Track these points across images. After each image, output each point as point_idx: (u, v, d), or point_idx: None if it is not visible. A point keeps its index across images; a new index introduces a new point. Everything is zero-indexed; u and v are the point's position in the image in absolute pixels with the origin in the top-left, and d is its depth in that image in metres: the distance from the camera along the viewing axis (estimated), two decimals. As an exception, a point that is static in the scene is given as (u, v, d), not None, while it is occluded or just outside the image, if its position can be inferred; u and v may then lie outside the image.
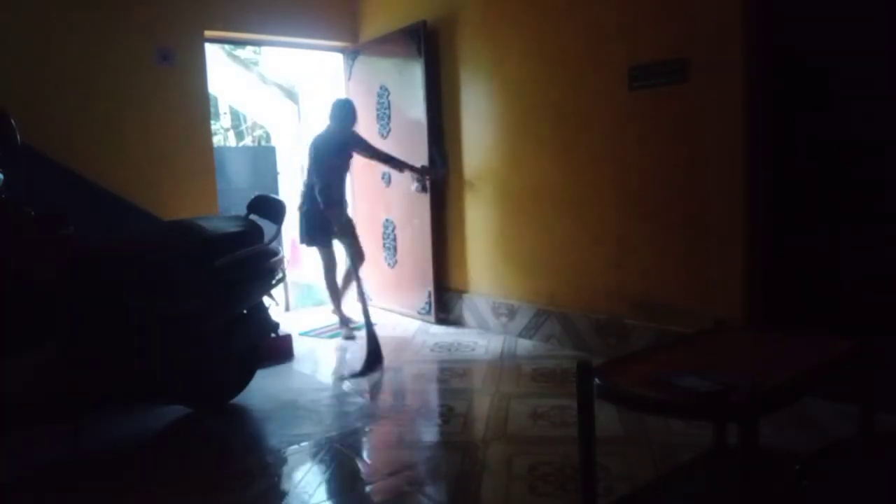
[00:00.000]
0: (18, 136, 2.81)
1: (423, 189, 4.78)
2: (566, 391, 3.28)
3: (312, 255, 6.88)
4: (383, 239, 5.23)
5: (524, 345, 4.20)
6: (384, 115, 5.08)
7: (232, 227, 3.18)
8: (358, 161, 4.89)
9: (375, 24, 5.24)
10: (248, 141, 10.89)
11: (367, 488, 2.47)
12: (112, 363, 2.67)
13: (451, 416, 3.10)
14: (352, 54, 5.36)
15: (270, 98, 7.95)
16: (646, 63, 3.43)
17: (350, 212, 5.01)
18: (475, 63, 4.50)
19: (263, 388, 3.55)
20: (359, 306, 4.27)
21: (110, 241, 3.26)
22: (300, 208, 4.68)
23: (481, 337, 4.46)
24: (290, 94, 7.76)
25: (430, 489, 2.44)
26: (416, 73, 4.72)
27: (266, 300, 3.45)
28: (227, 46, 7.57)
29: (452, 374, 3.72)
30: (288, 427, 3.06)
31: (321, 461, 2.70)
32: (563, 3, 3.85)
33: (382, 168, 4.92)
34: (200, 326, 2.93)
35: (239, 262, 3.04)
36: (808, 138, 2.99)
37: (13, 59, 4.02)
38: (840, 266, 2.92)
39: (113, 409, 3.12)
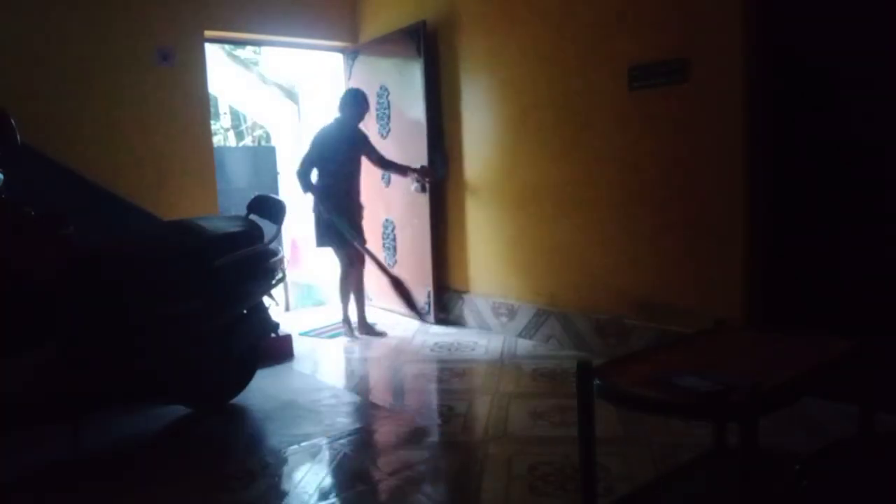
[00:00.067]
0: (18, 136, 2.81)
1: (423, 189, 4.78)
2: (566, 391, 3.28)
3: (310, 255, 6.93)
4: (383, 239, 5.23)
5: (524, 345, 4.20)
6: (384, 115, 5.08)
7: (232, 227, 3.18)
8: (357, 162, 4.88)
9: (375, 24, 5.24)
10: (248, 141, 10.89)
11: (367, 488, 2.47)
12: (112, 363, 2.67)
13: (451, 416, 3.10)
14: (352, 54, 5.36)
15: (270, 98, 7.95)
16: (646, 63, 3.43)
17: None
18: (475, 63, 4.50)
19: (263, 388, 3.55)
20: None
21: (110, 241, 3.26)
22: (314, 209, 4.53)
23: (481, 337, 4.46)
24: (290, 94, 7.76)
25: (430, 489, 2.44)
26: (415, 74, 4.72)
27: (266, 300, 3.45)
28: (227, 46, 7.57)
29: (452, 374, 3.72)
30: (288, 427, 3.06)
31: (321, 461, 2.70)
32: (563, 3, 3.85)
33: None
34: (200, 326, 2.93)
35: (239, 262, 3.04)
36: (808, 138, 2.99)
37: (13, 59, 4.02)
38: (840, 266, 2.92)
39: (113, 409, 3.11)
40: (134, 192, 4.39)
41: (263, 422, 3.22)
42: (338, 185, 4.44)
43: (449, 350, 4.21)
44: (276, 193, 7.02)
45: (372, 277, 5.20)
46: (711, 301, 3.24)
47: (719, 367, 1.77)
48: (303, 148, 4.75)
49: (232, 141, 10.79)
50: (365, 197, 4.69)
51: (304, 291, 6.91)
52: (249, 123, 10.75)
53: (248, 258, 3.10)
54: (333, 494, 2.44)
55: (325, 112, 5.66)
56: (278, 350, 4.10)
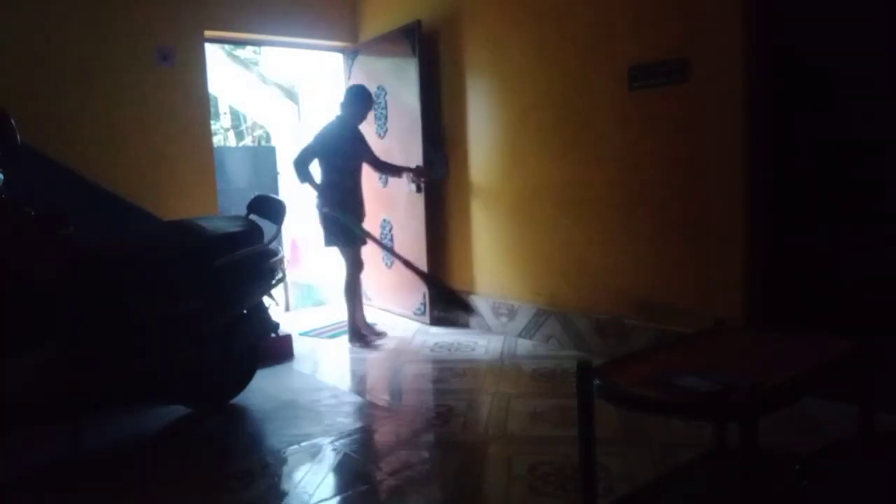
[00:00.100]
0: (18, 136, 2.81)
1: (418, 189, 4.76)
2: (566, 391, 3.28)
3: (311, 255, 6.93)
4: (381, 239, 5.22)
5: (524, 345, 4.20)
6: (381, 115, 5.07)
7: (232, 227, 3.18)
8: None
9: (375, 24, 5.24)
10: (248, 141, 10.89)
11: (367, 488, 2.47)
12: (112, 363, 2.67)
13: (451, 416, 3.10)
14: (351, 54, 5.36)
15: (270, 98, 7.95)
16: (646, 63, 3.43)
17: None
18: (475, 63, 4.50)
19: (263, 388, 3.55)
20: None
21: (110, 241, 3.26)
22: (320, 208, 4.41)
23: (481, 337, 4.45)
24: (290, 94, 7.77)
25: (430, 489, 2.44)
26: (411, 73, 4.70)
27: (266, 300, 3.45)
28: (227, 46, 7.57)
29: (452, 374, 3.72)
30: (288, 427, 3.06)
31: (321, 461, 2.70)
32: (563, 2, 3.85)
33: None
34: (200, 326, 2.93)
35: (239, 262, 3.04)
36: (808, 138, 2.99)
37: (13, 59, 4.03)
38: (840, 266, 2.92)
39: (113, 409, 3.11)
40: (134, 192, 4.39)
41: (263, 422, 3.22)
42: (343, 182, 4.35)
43: (449, 350, 4.21)
44: (276, 193, 7.02)
45: (371, 278, 5.21)
46: (711, 301, 3.24)
47: (719, 367, 1.77)
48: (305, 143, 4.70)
49: (232, 141, 10.79)
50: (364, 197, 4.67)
51: (304, 291, 6.91)
52: (249, 123, 10.75)
53: (248, 258, 3.11)
54: (333, 494, 2.44)
55: (325, 112, 5.65)
56: (278, 350, 4.10)
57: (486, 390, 3.41)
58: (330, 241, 4.43)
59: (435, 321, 4.86)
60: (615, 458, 2.51)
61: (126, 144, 4.40)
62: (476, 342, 4.34)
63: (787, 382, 1.67)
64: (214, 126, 10.04)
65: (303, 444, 2.85)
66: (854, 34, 2.80)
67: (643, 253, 3.58)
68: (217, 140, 9.99)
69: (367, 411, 3.28)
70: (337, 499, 2.41)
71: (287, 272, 4.55)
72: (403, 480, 2.50)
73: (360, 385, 3.70)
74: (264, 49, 7.57)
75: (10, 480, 2.66)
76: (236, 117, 10.82)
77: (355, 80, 5.28)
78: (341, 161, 4.34)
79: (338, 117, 4.46)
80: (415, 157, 4.71)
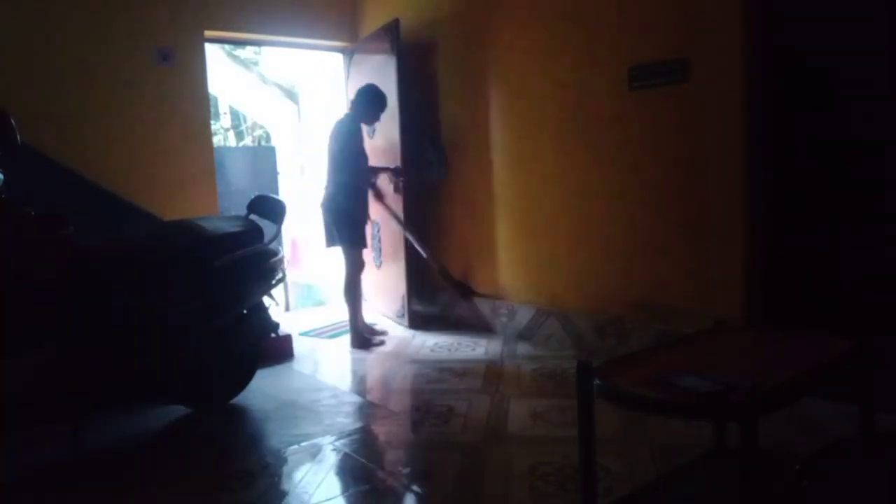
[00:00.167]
0: (18, 136, 2.81)
1: (396, 189, 4.71)
2: (566, 391, 3.28)
3: (310, 255, 6.93)
4: (371, 240, 5.19)
5: (524, 345, 4.20)
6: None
7: (232, 227, 3.18)
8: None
9: (374, 24, 5.23)
10: (248, 141, 10.88)
11: (367, 488, 2.47)
12: (112, 363, 2.67)
13: (451, 416, 3.10)
14: (350, 54, 5.35)
15: (270, 98, 7.96)
16: (646, 63, 3.43)
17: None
18: (475, 63, 4.49)
19: (263, 388, 3.55)
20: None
21: (110, 241, 3.27)
22: (322, 205, 4.41)
23: (481, 337, 4.45)
24: (290, 94, 7.78)
25: (430, 489, 2.44)
26: (390, 72, 4.64)
27: (266, 300, 3.45)
28: (227, 46, 7.58)
29: (452, 375, 3.72)
30: (288, 427, 3.06)
31: (321, 461, 2.70)
32: (563, 2, 3.85)
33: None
34: (200, 326, 2.93)
35: (239, 262, 3.04)
36: (808, 138, 2.99)
37: (13, 59, 4.02)
38: (840, 266, 2.92)
39: (113, 409, 3.11)
40: (134, 192, 4.39)
41: (263, 422, 3.22)
42: (351, 181, 4.32)
43: (449, 350, 4.21)
44: (276, 193, 7.02)
45: (370, 278, 5.19)
46: (711, 301, 3.23)
47: (719, 367, 1.77)
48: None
49: (232, 141, 10.78)
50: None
51: (304, 291, 6.91)
52: (249, 123, 10.75)
53: (248, 258, 3.10)
54: (333, 494, 2.44)
55: (324, 112, 5.65)
56: (278, 350, 4.10)
57: (486, 390, 3.41)
58: (332, 241, 4.41)
59: (413, 324, 4.77)
60: (615, 458, 2.51)
61: (126, 144, 4.40)
62: (476, 342, 4.33)
63: (787, 382, 1.67)
64: (214, 126, 10.03)
65: (303, 444, 2.85)
66: (854, 34, 2.80)
67: (643, 253, 3.58)
68: (217, 140, 9.98)
69: (367, 411, 3.28)
70: (337, 499, 2.41)
71: (287, 272, 4.54)
72: (403, 480, 2.50)
73: (360, 385, 3.70)
74: (264, 49, 7.57)
75: (10, 480, 2.66)
76: (236, 117, 10.81)
77: (353, 80, 5.28)
78: (340, 162, 4.34)
79: (345, 115, 4.44)
80: (396, 157, 4.67)
